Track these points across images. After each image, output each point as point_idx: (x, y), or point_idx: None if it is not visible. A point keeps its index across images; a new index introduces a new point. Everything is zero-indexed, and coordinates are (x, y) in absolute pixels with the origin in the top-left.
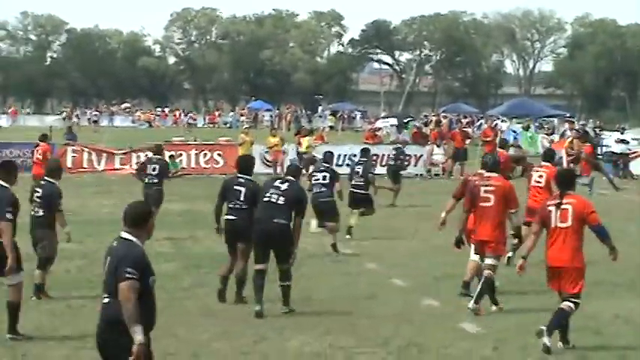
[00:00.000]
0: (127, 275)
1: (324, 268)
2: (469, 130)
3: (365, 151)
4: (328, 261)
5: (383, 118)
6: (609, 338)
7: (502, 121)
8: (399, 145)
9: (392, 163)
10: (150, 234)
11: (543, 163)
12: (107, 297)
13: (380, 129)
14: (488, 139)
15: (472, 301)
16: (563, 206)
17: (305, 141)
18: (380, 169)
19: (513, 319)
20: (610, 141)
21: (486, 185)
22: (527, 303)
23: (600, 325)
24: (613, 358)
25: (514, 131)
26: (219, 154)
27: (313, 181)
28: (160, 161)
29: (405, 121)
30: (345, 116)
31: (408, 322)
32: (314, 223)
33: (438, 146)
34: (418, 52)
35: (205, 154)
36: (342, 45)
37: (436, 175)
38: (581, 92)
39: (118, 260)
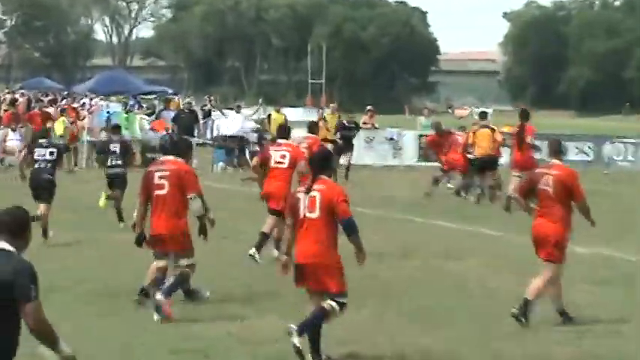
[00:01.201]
0: (35, 294)
1: None
2: (51, 110)
3: (116, 128)
4: None
5: None
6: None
7: (100, 98)
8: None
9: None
10: (28, 244)
11: (281, 141)
12: None
13: None
14: (72, 119)
15: (159, 294)
16: (312, 193)
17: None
18: None
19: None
20: (223, 122)
21: (161, 170)
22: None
23: (209, 345)
24: None
25: (108, 112)
26: None
27: (36, 157)
28: None
29: None
30: None
31: None
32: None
33: (14, 130)
34: None
35: None
36: None
37: (11, 165)
38: (188, 64)
39: (13, 276)
